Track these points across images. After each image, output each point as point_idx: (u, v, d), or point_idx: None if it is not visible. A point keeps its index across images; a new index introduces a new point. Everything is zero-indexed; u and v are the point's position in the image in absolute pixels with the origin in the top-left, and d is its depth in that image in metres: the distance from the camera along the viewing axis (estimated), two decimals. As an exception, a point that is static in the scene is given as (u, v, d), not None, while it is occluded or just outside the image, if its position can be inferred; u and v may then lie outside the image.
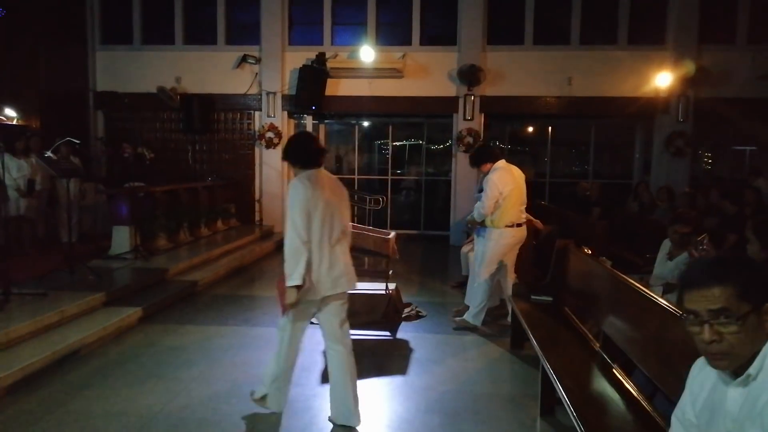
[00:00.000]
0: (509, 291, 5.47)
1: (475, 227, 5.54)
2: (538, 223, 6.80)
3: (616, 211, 8.76)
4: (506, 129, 12.05)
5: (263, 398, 3.46)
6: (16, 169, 7.24)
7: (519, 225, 5.32)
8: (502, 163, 5.32)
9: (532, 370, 4.28)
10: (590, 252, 4.48)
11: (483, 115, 10.74)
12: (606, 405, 2.84)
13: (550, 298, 4.65)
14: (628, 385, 3.02)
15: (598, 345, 3.60)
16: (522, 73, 10.56)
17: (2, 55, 8.19)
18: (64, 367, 4.20)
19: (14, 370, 3.80)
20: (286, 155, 3.33)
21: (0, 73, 7.51)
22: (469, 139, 10.55)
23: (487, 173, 5.29)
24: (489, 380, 4.16)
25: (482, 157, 5.38)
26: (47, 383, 3.92)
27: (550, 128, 11.69)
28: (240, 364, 4.36)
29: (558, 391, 2.97)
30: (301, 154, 3.30)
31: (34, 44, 9.48)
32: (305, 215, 3.10)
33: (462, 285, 7.04)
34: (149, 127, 11.18)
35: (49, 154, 6.98)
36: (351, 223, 5.77)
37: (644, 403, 2.79)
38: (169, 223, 8.07)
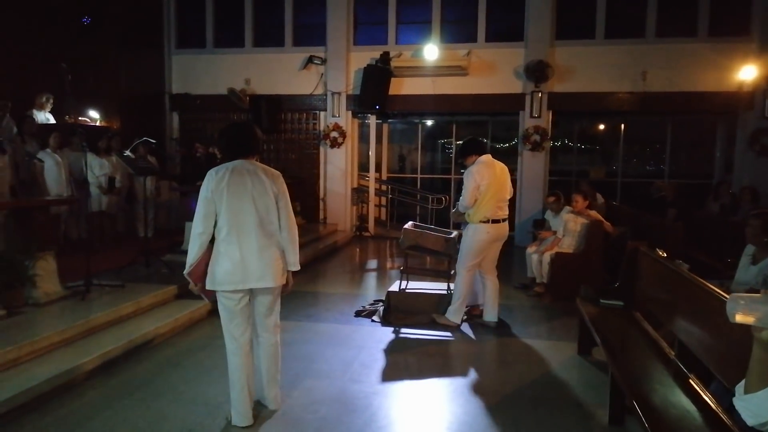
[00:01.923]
0: (490, 292, 5.37)
1: (460, 221, 5.43)
2: (608, 225, 6.54)
3: (693, 212, 8.29)
4: (575, 126, 11.69)
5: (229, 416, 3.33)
6: (99, 167, 7.68)
7: (495, 221, 5.15)
8: (486, 157, 5.19)
9: (600, 376, 4.10)
10: (665, 255, 4.25)
11: (551, 112, 10.44)
12: (681, 416, 2.67)
13: (621, 303, 4.45)
14: (706, 397, 2.83)
15: (673, 353, 3.41)
16: (593, 69, 10.18)
17: (87, 60, 8.72)
18: (138, 355, 4.42)
19: (94, 357, 4.03)
20: (217, 144, 3.31)
21: (85, 77, 8.00)
22: (536, 137, 10.29)
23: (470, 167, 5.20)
24: (554, 385, 4.03)
25: (470, 148, 5.25)
26: (123, 369, 4.13)
27: (622, 125, 11.23)
28: (301, 358, 4.43)
29: (628, 399, 2.82)
30: (227, 144, 3.33)
31: (115, 50, 10.06)
32: (206, 206, 3.12)
33: (526, 287, 6.89)
34: (220, 127, 11.54)
35: (128, 153, 7.37)
36: (414, 223, 5.79)
37: (723, 416, 2.61)
38: (237, 220, 8.30)
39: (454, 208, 5.63)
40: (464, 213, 5.24)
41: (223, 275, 3.13)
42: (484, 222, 5.12)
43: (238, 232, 3.13)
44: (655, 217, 7.53)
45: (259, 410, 3.46)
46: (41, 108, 7.86)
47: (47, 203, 5.44)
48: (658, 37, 10.06)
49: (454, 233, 5.88)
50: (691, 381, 3.02)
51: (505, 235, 5.29)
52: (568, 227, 6.61)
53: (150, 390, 3.79)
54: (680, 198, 8.59)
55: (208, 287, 3.19)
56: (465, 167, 5.25)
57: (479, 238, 5.16)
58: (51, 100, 7.87)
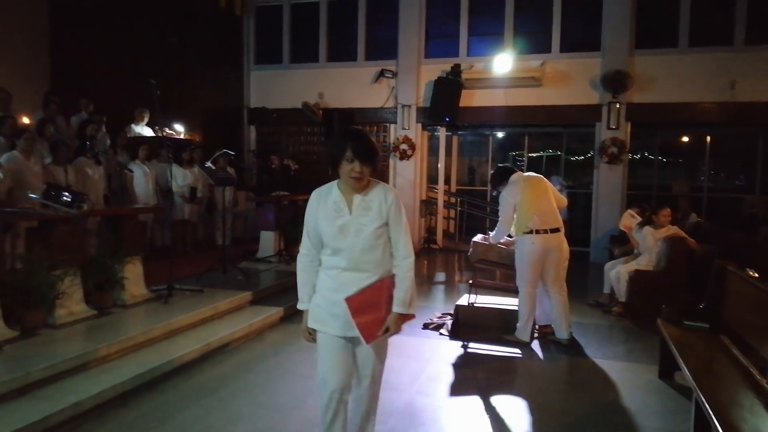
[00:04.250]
0: (557, 308, 5.14)
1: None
2: (692, 242, 6.19)
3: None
4: (656, 139, 11.17)
5: None
6: (182, 178, 8.11)
7: (540, 232, 4.96)
8: (515, 176, 5.16)
9: (683, 403, 3.87)
10: (757, 275, 3.97)
11: (629, 123, 10.05)
12: (776, 451, 2.47)
13: (707, 325, 4.19)
14: (805, 431, 2.61)
15: (764, 380, 3.17)
16: (675, 78, 9.72)
17: (173, 77, 9.27)
18: (215, 357, 4.60)
19: (174, 357, 4.24)
20: (375, 157, 2.48)
21: (171, 92, 8.50)
22: (614, 150, 9.93)
23: None
24: (632, 410, 3.83)
25: (498, 178, 5.29)
26: (200, 371, 4.32)
27: (708, 138, 10.63)
28: (370, 369, 4.45)
29: (714, 428, 2.65)
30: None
31: (199, 67, 10.64)
32: None
33: (600, 305, 6.63)
34: (294, 140, 11.98)
35: (209, 164, 7.75)
36: (483, 236, 5.74)
37: (826, 454, 2.39)
38: (309, 230, 8.52)
39: (488, 235, 5.59)
40: (502, 238, 5.32)
41: None
42: (527, 233, 5.01)
43: None
44: (745, 235, 7.05)
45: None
46: (139, 122, 8.44)
47: (136, 211, 5.81)
48: (748, 45, 9.47)
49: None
50: (787, 412, 2.80)
51: (558, 247, 5.06)
52: (647, 243, 6.32)
53: (225, 392, 3.93)
54: (774, 215, 8.00)
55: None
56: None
57: (526, 251, 5.04)
58: (147, 115, 8.44)
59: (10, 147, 5.77)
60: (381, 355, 2.72)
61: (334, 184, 2.59)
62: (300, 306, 2.65)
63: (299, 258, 2.63)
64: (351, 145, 2.43)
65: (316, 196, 2.61)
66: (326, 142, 2.73)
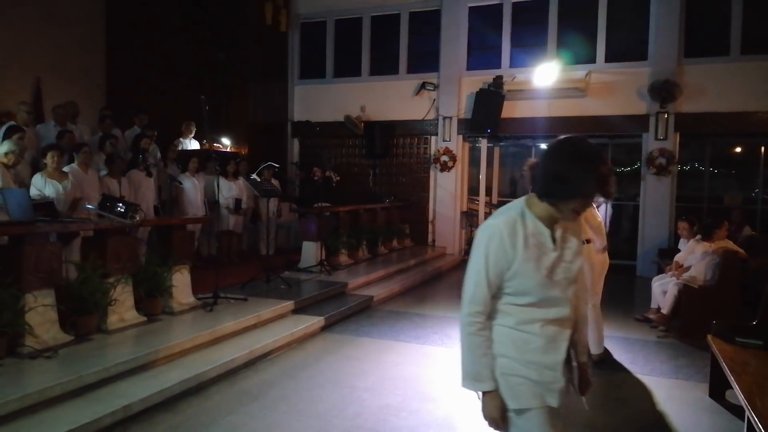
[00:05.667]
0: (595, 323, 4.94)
1: None
2: (743, 254, 5.96)
3: None
4: (706, 149, 10.79)
5: None
6: (227, 190, 8.33)
7: None
8: None
9: (734, 422, 3.72)
10: (815, 291, 3.79)
11: (678, 134, 9.77)
12: (835, 475, 2.35)
13: (760, 342, 4.02)
14: None
15: (824, 402, 3.02)
16: (727, 87, 9.40)
17: (221, 92, 9.59)
18: (257, 365, 4.70)
19: (219, 364, 4.35)
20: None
21: (219, 107, 8.79)
22: (662, 161, 9.66)
23: None
24: (681, 429, 3.70)
25: None
26: (244, 378, 4.41)
27: (762, 148, 10.21)
28: (410, 379, 4.46)
29: (768, 450, 2.54)
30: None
31: (245, 83, 10.97)
32: None
33: (647, 320, 6.44)
34: (336, 152, 12.15)
35: (254, 176, 7.94)
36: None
37: None
38: (350, 241, 8.65)
39: None
40: None
41: None
42: None
43: None
44: (804, 249, 6.74)
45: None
46: (186, 135, 8.75)
47: (185, 221, 6.00)
48: (805, 51, 9.10)
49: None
50: None
51: (585, 258, 4.95)
52: (696, 256, 6.11)
53: (267, 399, 4.01)
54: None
55: None
56: None
57: None
58: (193, 128, 8.75)
59: (69, 160, 6.07)
60: None
61: (521, 207, 1.92)
62: (479, 387, 1.93)
63: (469, 320, 1.89)
64: (603, 183, 1.75)
65: (507, 227, 1.87)
66: (567, 167, 1.70)
